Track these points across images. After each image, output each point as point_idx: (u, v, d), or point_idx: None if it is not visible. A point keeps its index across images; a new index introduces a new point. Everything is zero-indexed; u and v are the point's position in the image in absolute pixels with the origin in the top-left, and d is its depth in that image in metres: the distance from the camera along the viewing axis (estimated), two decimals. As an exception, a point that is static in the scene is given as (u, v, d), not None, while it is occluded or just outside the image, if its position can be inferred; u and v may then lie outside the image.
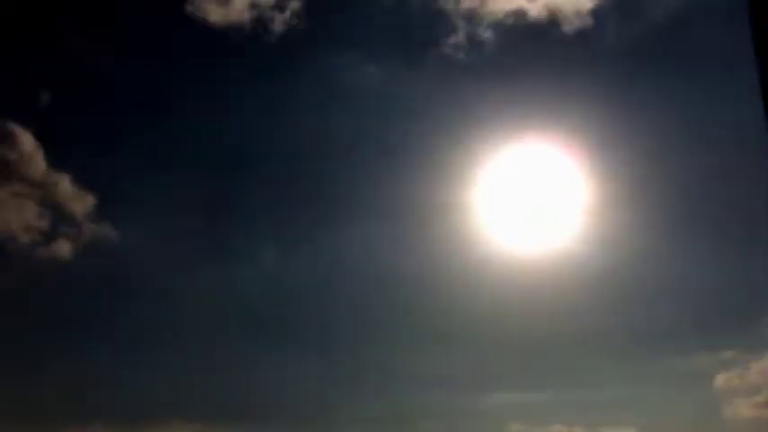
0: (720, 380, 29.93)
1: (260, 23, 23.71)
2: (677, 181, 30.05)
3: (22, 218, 24.45)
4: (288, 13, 24.03)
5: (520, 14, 24.54)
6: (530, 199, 30.96)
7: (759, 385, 28.89)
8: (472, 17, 24.66)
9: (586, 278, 30.64)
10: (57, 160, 23.67)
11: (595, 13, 24.28)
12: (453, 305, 30.96)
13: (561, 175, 30.32)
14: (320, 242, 32.25)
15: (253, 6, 23.64)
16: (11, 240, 24.14)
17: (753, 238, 27.37)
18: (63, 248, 25.15)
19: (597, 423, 29.55)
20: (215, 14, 23.43)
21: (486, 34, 24.89)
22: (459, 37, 25.23)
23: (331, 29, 26.03)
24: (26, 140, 24.07)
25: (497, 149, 30.22)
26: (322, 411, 29.70)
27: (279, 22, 24.15)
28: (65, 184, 23.82)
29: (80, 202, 24.13)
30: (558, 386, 30.44)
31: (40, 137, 23.62)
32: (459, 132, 28.60)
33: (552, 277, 30.17)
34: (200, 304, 27.83)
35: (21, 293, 24.85)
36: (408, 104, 26.86)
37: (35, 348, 25.35)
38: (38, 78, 22.75)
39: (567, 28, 24.13)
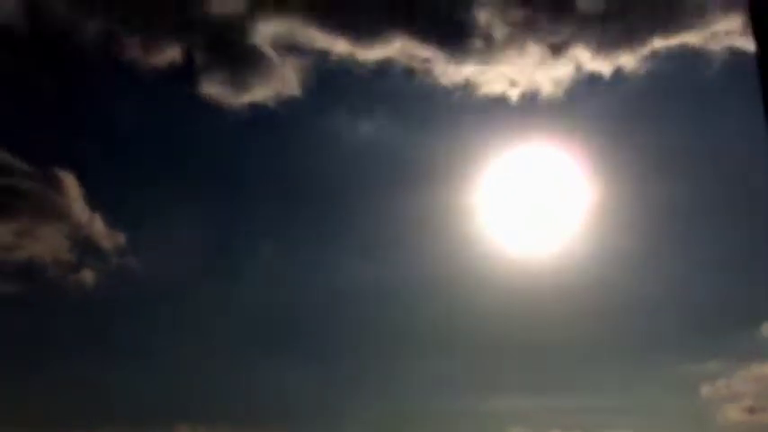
0: (715, 387, 30.62)
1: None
2: (679, 186, 30.90)
3: (58, 251, 27.68)
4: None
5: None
6: (532, 202, 31.43)
7: (750, 392, 29.85)
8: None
9: (587, 282, 31.02)
10: (94, 201, 27.45)
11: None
12: (454, 308, 31.18)
13: (564, 177, 30.80)
14: (322, 245, 32.66)
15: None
16: (45, 270, 27.62)
17: (754, 240, 28.14)
18: (88, 276, 28.51)
19: (596, 427, 30.11)
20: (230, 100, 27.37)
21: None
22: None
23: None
24: (70, 183, 27.43)
25: (499, 152, 31.02)
26: (322, 414, 30.11)
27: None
28: (98, 223, 27.48)
29: (111, 239, 27.84)
30: (558, 390, 30.71)
31: (82, 180, 27.34)
32: (459, 139, 29.85)
33: (553, 281, 30.52)
34: (209, 316, 29.31)
35: (49, 314, 28.05)
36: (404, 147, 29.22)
37: (49, 356, 28.27)
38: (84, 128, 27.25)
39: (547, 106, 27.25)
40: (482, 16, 27.02)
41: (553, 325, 30.24)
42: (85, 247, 28.16)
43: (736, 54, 26.06)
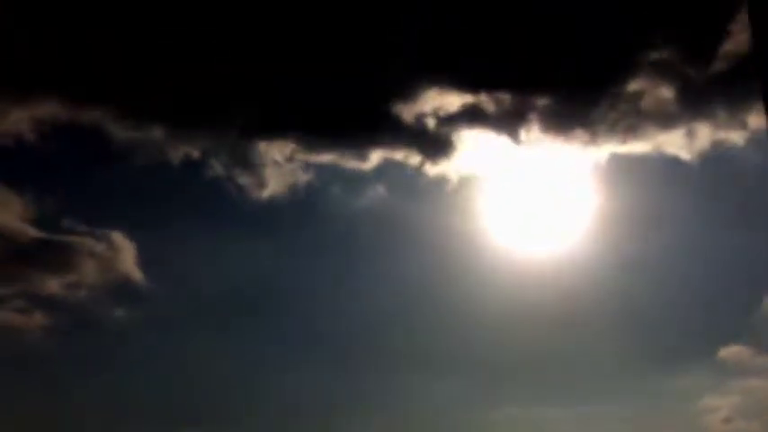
0: (696, 398, 32.25)
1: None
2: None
3: (102, 294, 32.31)
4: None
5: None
6: (537, 208, 32.30)
7: (726, 405, 31.95)
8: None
9: (590, 289, 32.00)
10: (139, 258, 31.97)
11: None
12: (457, 315, 31.88)
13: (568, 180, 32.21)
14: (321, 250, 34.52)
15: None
16: (89, 309, 31.83)
17: (756, 242, 30.28)
18: (126, 315, 32.80)
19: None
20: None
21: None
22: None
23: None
24: (120, 242, 31.98)
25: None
26: (325, 422, 30.96)
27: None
28: (139, 274, 31.95)
29: (148, 287, 32.33)
30: (561, 400, 31.43)
31: (132, 239, 31.93)
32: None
33: (557, 287, 31.45)
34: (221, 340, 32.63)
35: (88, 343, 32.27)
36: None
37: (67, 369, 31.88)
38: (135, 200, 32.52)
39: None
40: (455, 134, 30.65)
41: (559, 334, 31.37)
42: (125, 292, 32.42)
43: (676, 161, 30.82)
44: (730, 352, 31.68)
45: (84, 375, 31.00)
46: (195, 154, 30.04)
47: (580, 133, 29.08)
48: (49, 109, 27.50)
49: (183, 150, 29.75)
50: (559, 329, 31.48)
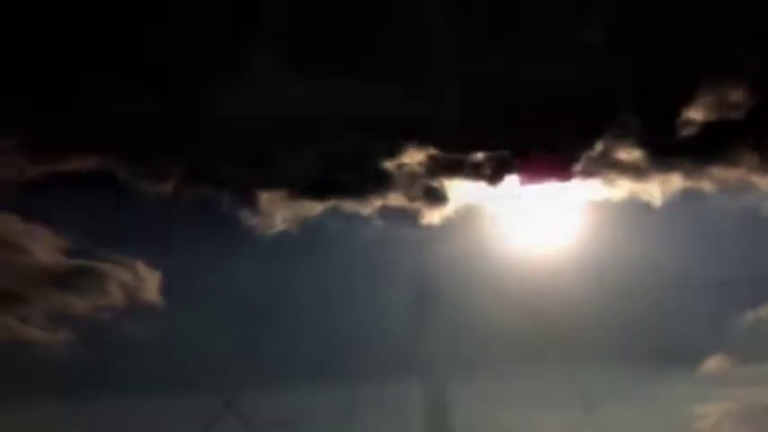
0: (684, 407, 35.35)
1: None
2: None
3: (120, 312, 35.58)
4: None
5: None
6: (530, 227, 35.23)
7: (714, 411, 34.99)
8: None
9: (588, 291, 34.90)
10: (160, 284, 35.30)
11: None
12: (458, 318, 34.93)
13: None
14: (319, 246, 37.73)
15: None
16: (105, 326, 34.97)
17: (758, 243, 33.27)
18: (141, 330, 36.00)
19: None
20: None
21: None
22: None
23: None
24: (141, 269, 34.95)
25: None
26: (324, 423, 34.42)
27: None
28: (159, 298, 34.85)
29: (163, 307, 35.24)
30: (560, 400, 34.62)
31: (154, 267, 34.96)
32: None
33: (559, 287, 34.25)
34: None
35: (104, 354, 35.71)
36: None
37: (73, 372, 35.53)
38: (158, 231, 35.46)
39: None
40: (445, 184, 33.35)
41: (562, 334, 34.21)
42: (140, 309, 35.97)
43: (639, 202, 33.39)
44: (716, 361, 34.35)
45: (99, 387, 35.10)
46: (206, 195, 33.73)
47: (556, 183, 31.59)
48: (79, 163, 31.86)
49: (193, 191, 33.54)
50: (557, 332, 34.08)
